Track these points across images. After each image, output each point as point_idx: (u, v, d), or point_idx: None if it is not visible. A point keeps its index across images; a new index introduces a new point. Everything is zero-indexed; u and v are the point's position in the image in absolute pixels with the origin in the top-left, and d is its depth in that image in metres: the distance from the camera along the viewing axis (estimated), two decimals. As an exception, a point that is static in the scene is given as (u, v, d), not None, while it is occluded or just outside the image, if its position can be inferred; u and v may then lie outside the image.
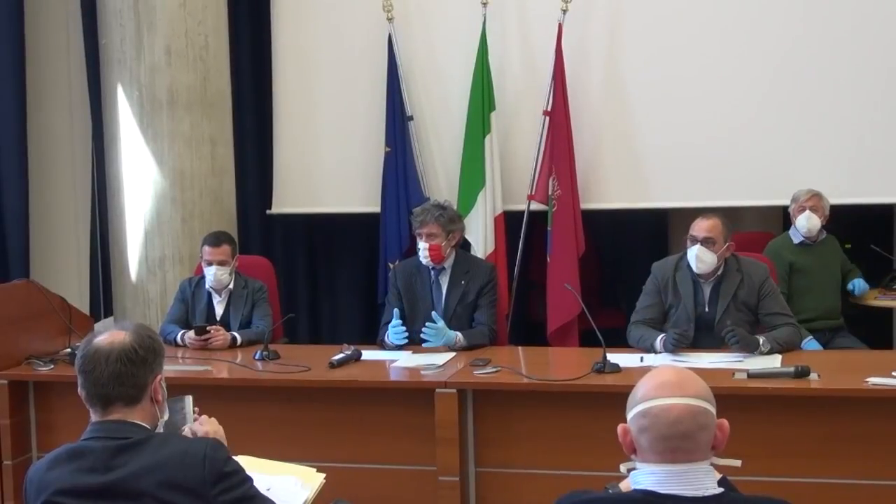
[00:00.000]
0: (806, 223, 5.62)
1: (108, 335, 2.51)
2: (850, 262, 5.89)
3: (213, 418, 2.76)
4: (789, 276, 5.59)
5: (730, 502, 2.07)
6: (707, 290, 4.66)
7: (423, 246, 5.02)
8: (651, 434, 2.08)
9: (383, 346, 4.91)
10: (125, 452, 2.42)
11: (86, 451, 2.44)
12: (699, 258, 4.58)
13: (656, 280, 4.75)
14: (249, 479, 2.52)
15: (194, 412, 2.76)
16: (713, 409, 2.11)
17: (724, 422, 2.12)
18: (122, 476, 2.39)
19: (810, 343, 5.36)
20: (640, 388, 2.15)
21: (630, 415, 2.14)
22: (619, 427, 2.16)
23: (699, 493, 2.05)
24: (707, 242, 4.58)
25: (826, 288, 5.69)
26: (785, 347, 4.44)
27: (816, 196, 5.66)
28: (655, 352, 4.44)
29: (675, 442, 2.06)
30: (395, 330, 4.83)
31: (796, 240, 5.73)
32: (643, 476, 2.09)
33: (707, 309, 4.64)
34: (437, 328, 4.74)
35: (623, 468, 2.18)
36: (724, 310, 4.60)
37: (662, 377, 2.14)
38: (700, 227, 4.61)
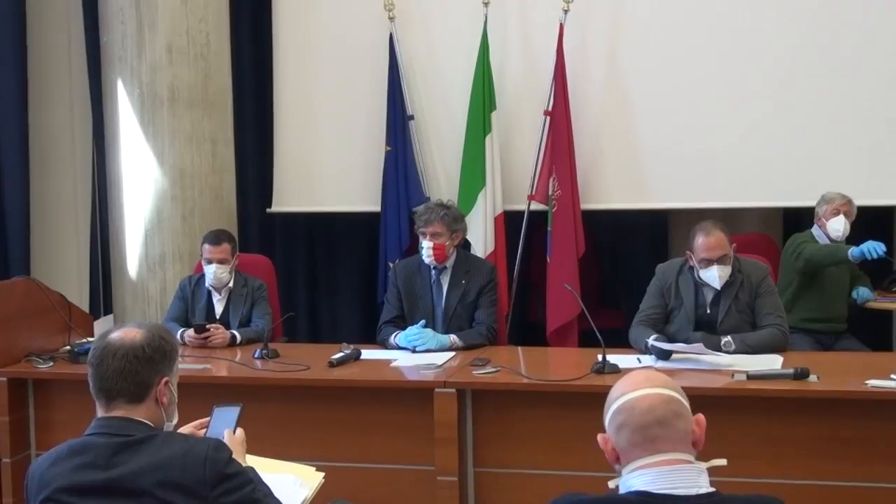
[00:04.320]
0: (840, 227, 5.56)
1: (122, 331, 2.53)
2: (858, 269, 5.87)
3: (238, 436, 2.80)
4: (803, 268, 5.55)
5: (722, 500, 2.08)
6: (709, 294, 4.66)
7: (427, 245, 5.01)
8: (628, 427, 2.11)
9: (385, 345, 4.91)
10: (127, 450, 2.42)
11: (88, 446, 2.45)
12: (721, 277, 4.57)
13: (659, 282, 4.75)
14: (254, 483, 2.51)
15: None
16: (686, 402, 2.14)
17: (701, 416, 2.15)
18: (122, 474, 2.40)
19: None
20: (611, 393, 2.20)
21: (607, 421, 2.17)
22: (599, 437, 2.18)
23: (692, 492, 2.06)
24: (723, 260, 4.58)
25: (837, 294, 5.66)
26: (755, 349, 4.42)
27: (850, 201, 5.63)
28: (649, 351, 4.44)
29: (653, 430, 2.09)
30: (409, 336, 4.79)
31: (821, 242, 5.67)
32: (635, 478, 2.10)
33: (709, 311, 4.64)
34: (421, 332, 4.74)
35: (611, 485, 2.18)
36: (725, 312, 4.60)
37: (630, 378, 2.21)
38: (712, 248, 4.55)
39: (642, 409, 2.10)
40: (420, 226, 5.06)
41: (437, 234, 5.01)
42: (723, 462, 2.18)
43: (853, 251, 5.24)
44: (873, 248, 5.19)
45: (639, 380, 2.17)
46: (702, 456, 2.15)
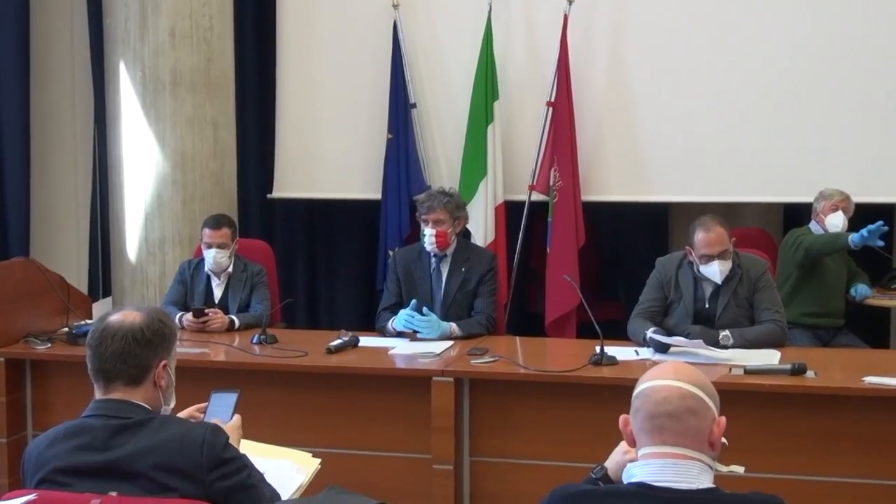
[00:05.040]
0: (839, 223, 5.54)
1: (122, 314, 2.53)
2: (855, 265, 5.87)
3: (233, 423, 2.80)
4: (802, 260, 5.53)
5: (721, 497, 2.08)
6: (708, 288, 4.65)
7: (429, 232, 4.99)
8: (641, 413, 2.13)
9: (383, 332, 4.91)
10: (124, 432, 2.43)
11: (86, 428, 2.45)
12: (721, 272, 4.56)
13: (659, 275, 4.74)
14: (249, 468, 2.52)
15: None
16: (709, 401, 2.13)
17: (723, 419, 2.14)
18: (119, 456, 2.40)
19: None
20: (640, 378, 2.21)
21: (631, 402, 2.19)
22: (622, 417, 2.20)
23: (693, 486, 2.06)
24: (723, 255, 4.57)
25: (835, 289, 5.66)
26: (753, 344, 4.42)
27: (847, 198, 5.62)
28: (647, 344, 4.44)
29: (662, 420, 2.10)
30: (407, 317, 4.79)
31: None
32: (638, 468, 2.11)
33: (707, 305, 4.63)
34: (428, 320, 4.73)
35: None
36: (724, 306, 4.59)
37: (662, 367, 2.21)
38: (712, 244, 4.54)
39: (657, 399, 2.11)
40: (422, 213, 5.05)
41: (439, 221, 5.00)
42: (740, 470, 2.19)
43: (853, 237, 5.21)
44: (873, 232, 5.17)
45: (667, 370, 2.18)
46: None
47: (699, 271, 4.62)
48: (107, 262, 6.81)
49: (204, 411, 2.85)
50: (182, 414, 2.79)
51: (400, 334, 4.81)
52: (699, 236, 4.57)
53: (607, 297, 7.24)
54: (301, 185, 6.85)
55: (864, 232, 5.14)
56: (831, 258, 5.59)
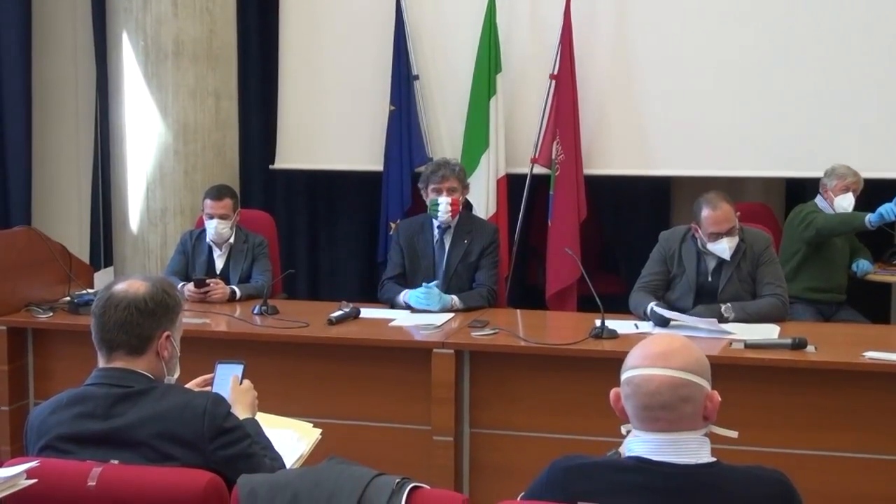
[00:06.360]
0: (848, 206, 5.49)
1: (127, 283, 2.54)
2: (857, 241, 5.86)
3: (245, 385, 2.82)
4: (812, 239, 5.52)
5: (722, 471, 2.08)
6: (711, 262, 4.65)
7: (444, 201, 4.97)
8: (632, 402, 2.12)
9: (391, 303, 4.90)
10: (126, 401, 2.44)
11: (88, 396, 2.47)
12: (730, 248, 4.56)
13: (662, 249, 4.73)
14: (251, 437, 2.54)
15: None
16: (701, 381, 2.11)
17: (715, 393, 2.13)
18: (121, 424, 2.42)
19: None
20: (630, 355, 2.18)
21: (621, 381, 2.17)
22: (612, 392, 2.19)
23: (692, 461, 2.06)
24: (731, 232, 4.56)
25: (838, 264, 5.64)
26: (754, 318, 4.43)
27: (859, 179, 5.57)
28: (648, 317, 4.44)
29: (655, 412, 2.08)
30: (417, 294, 4.77)
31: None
32: (637, 444, 2.12)
33: (710, 279, 4.63)
34: (430, 293, 4.73)
35: (623, 429, 2.20)
36: (727, 280, 4.59)
37: (652, 347, 2.16)
38: (720, 222, 4.53)
39: (649, 391, 2.09)
40: (435, 182, 5.01)
41: (452, 189, 4.99)
42: (734, 434, 2.18)
43: (871, 217, 5.14)
44: (891, 209, 5.11)
45: (655, 352, 2.13)
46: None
47: (706, 248, 4.61)
48: (108, 231, 6.81)
49: (210, 383, 2.86)
50: (188, 386, 2.80)
51: (408, 306, 4.81)
52: (706, 214, 4.56)
53: (608, 271, 7.24)
54: (303, 157, 6.84)
55: (881, 211, 5.09)
56: (840, 237, 5.57)
